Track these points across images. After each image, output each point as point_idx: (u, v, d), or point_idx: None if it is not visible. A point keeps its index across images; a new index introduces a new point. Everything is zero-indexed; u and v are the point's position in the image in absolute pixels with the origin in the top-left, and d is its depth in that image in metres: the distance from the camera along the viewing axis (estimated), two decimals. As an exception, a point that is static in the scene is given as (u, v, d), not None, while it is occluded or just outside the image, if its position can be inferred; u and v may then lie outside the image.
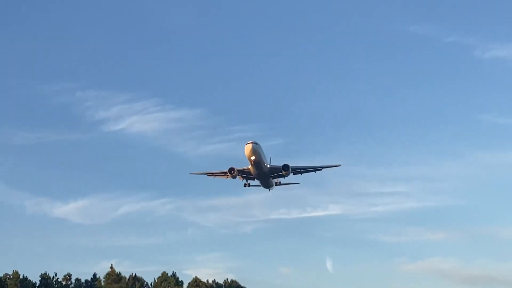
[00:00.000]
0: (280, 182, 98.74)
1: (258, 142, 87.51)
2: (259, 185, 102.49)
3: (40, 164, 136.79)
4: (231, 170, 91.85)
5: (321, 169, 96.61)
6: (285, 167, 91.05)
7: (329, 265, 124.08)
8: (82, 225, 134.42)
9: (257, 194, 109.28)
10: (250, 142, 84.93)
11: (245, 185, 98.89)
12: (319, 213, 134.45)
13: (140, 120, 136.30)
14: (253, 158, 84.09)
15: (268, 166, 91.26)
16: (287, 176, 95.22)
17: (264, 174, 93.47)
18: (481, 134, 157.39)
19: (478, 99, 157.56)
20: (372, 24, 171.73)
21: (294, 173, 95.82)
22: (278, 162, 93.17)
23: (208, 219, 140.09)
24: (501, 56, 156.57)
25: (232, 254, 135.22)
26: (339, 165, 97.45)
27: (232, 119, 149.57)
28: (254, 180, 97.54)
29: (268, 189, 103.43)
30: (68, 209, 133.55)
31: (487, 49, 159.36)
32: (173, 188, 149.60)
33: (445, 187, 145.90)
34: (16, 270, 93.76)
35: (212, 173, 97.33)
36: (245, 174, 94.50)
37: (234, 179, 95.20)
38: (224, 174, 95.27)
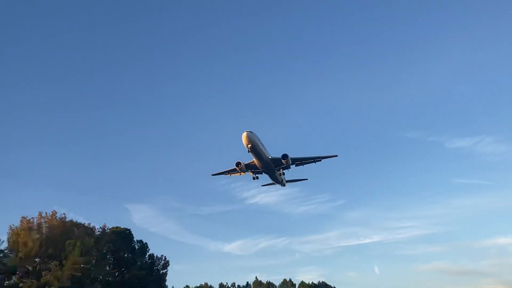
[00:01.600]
0: (283, 173, 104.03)
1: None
2: (273, 183, 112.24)
3: (215, 223, 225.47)
4: (238, 164, 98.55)
5: (320, 160, 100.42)
6: (284, 156, 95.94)
7: (376, 269, 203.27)
8: (239, 255, 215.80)
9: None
10: (245, 131, 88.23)
11: (254, 178, 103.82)
12: (367, 240, 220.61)
13: (265, 196, 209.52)
14: (249, 145, 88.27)
15: (270, 157, 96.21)
16: (288, 166, 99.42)
17: (269, 166, 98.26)
18: (454, 190, 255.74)
19: (450, 170, 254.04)
20: (381, 132, 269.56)
21: (297, 165, 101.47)
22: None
23: (306, 248, 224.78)
24: (461, 146, 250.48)
25: (321, 267, 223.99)
26: (336, 155, 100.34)
27: (314, 192, 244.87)
28: (262, 173, 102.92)
29: (279, 184, 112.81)
30: (231, 247, 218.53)
31: (452, 142, 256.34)
32: (286, 231, 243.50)
33: (437, 221, 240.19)
34: (206, 282, 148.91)
35: (228, 172, 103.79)
36: (252, 168, 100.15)
37: (244, 173, 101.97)
38: (237, 172, 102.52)
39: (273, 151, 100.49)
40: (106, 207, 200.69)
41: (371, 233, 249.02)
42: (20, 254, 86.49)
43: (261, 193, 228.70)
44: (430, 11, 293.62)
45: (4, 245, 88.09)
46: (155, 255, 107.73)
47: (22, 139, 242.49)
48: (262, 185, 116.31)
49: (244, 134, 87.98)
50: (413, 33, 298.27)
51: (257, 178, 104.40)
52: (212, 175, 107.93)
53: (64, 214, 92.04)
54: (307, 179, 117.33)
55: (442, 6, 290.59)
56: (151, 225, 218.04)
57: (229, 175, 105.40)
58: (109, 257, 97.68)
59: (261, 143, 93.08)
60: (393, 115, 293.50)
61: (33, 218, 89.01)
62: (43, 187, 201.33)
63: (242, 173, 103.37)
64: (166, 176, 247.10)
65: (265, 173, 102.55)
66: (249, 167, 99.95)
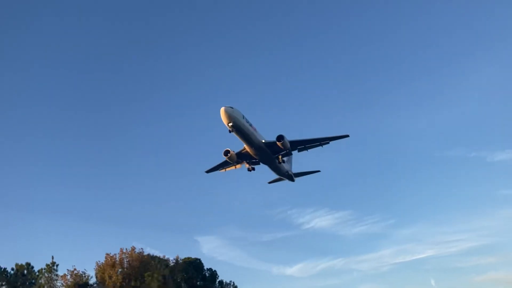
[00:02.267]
0: (284, 160, 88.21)
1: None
2: (281, 179, 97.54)
3: (276, 248, 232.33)
4: (226, 152, 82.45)
5: (328, 142, 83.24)
6: (279, 137, 78.86)
7: (432, 282, 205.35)
8: (301, 277, 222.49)
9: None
10: (223, 106, 72.19)
11: (249, 170, 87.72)
12: (421, 255, 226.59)
13: (320, 221, 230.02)
14: (230, 124, 71.83)
15: (263, 141, 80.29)
16: (289, 152, 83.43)
17: (264, 152, 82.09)
18: (500, 201, 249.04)
19: (495, 183, 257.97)
20: (423, 152, 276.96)
21: (299, 150, 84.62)
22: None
23: (363, 266, 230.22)
24: (504, 159, 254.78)
25: (379, 284, 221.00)
26: (348, 136, 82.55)
27: (365, 214, 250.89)
28: (259, 164, 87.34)
29: (287, 179, 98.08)
30: (292, 270, 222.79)
31: (494, 156, 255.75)
32: (343, 252, 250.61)
33: (487, 232, 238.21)
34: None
35: (221, 165, 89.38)
36: (247, 158, 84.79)
37: (240, 166, 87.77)
38: (231, 165, 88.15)
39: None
40: (178, 240, 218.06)
41: (424, 248, 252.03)
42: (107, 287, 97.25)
43: (316, 218, 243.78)
44: (464, 28, 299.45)
45: (93, 280, 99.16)
46: (224, 281, 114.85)
47: (97, 182, 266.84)
48: (268, 182, 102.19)
49: (222, 110, 71.67)
50: (447, 52, 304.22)
51: (253, 169, 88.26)
52: (206, 172, 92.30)
53: (141, 249, 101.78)
54: (319, 171, 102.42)
55: (474, 23, 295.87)
56: (218, 254, 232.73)
57: (224, 170, 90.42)
58: (184, 285, 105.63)
59: (247, 121, 76.64)
60: (433, 136, 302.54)
61: (116, 254, 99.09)
62: (122, 226, 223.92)
63: (237, 166, 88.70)
64: (228, 208, 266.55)
65: (263, 163, 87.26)
66: (242, 156, 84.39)
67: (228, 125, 72.74)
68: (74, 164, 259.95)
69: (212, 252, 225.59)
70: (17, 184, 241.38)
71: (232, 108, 72.77)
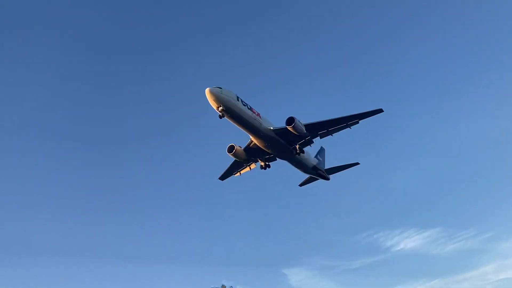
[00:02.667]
0: (303, 150, 70.91)
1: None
2: (313, 178, 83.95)
3: (364, 275, 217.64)
4: (231, 148, 69.51)
5: (357, 122, 67.66)
6: (289, 120, 63.76)
7: None
8: None
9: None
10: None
11: (262, 167, 73.67)
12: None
13: (409, 242, 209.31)
14: (220, 108, 59.12)
15: (271, 128, 66.18)
16: (310, 140, 69.58)
17: (276, 143, 67.85)
18: None
19: None
20: (503, 156, 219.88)
21: (321, 136, 69.57)
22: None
23: (464, 285, 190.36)
24: None
25: None
26: (382, 110, 64.94)
27: (458, 229, 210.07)
28: (275, 159, 73.83)
29: (319, 177, 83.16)
30: None
31: None
32: (439, 273, 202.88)
33: None
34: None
35: (233, 168, 76.61)
36: (257, 153, 71.02)
37: (254, 165, 74.85)
38: (243, 165, 75.69)
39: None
40: (265, 275, 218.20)
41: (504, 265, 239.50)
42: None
43: (404, 239, 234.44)
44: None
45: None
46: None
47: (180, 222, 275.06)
48: (299, 185, 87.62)
49: (207, 91, 58.70)
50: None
51: (269, 166, 74.44)
52: (220, 179, 79.48)
53: (231, 287, 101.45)
54: (358, 164, 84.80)
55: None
56: (308, 285, 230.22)
57: (238, 173, 77.75)
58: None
59: (244, 104, 62.60)
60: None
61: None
62: (209, 265, 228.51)
63: (251, 166, 75.94)
64: (311, 237, 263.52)
65: (278, 157, 73.28)
66: (251, 152, 70.82)
67: (218, 110, 59.95)
68: (152, 209, 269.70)
69: (301, 284, 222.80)
70: (106, 233, 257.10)
71: (220, 88, 60.08)
